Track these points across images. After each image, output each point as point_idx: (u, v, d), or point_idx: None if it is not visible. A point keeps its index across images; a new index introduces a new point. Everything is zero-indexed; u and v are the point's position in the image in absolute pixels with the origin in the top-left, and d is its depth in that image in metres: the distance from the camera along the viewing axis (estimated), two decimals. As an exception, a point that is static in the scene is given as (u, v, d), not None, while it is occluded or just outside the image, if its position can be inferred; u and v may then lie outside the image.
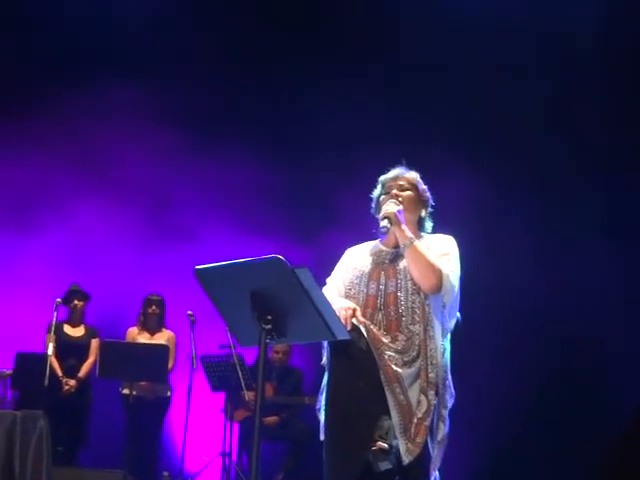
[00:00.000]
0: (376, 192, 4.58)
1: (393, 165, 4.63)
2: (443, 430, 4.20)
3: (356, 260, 4.51)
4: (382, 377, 4.10)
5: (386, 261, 4.41)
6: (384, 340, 4.18)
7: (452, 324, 4.34)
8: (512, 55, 9.20)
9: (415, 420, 4.10)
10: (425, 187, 4.57)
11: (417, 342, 4.20)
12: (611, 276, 8.70)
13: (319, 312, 3.44)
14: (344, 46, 9.70)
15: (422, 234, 4.51)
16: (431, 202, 4.58)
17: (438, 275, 4.22)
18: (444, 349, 4.26)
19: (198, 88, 10.01)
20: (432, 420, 4.16)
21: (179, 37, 9.93)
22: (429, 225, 4.58)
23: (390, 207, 4.33)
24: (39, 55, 9.97)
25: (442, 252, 4.35)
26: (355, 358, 4.06)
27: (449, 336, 4.33)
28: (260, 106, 9.93)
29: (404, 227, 4.31)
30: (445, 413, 4.22)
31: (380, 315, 4.28)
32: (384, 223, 4.29)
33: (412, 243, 4.26)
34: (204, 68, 9.95)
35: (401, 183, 4.49)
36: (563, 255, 8.93)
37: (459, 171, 8.65)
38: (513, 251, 8.92)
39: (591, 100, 9.07)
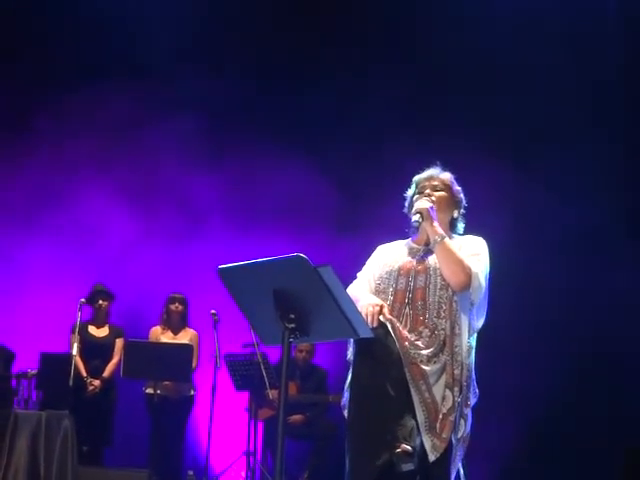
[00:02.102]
0: (410, 192, 4.62)
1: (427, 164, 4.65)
2: (464, 428, 4.21)
3: (387, 256, 4.54)
4: (407, 375, 4.09)
5: (417, 257, 4.44)
6: (410, 337, 4.18)
7: (480, 323, 4.34)
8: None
9: (440, 416, 4.10)
10: (459, 188, 4.60)
11: (442, 337, 4.20)
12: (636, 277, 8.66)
13: (342, 310, 3.43)
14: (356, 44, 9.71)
15: (454, 235, 4.53)
16: (464, 203, 4.61)
17: (467, 273, 4.23)
18: (470, 347, 4.27)
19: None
20: (455, 416, 4.16)
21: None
22: (461, 226, 4.60)
23: (423, 203, 4.36)
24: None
25: (473, 252, 4.37)
26: (380, 356, 4.06)
27: (475, 335, 4.32)
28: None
29: (435, 224, 4.33)
30: (467, 411, 4.23)
31: (407, 309, 4.29)
32: (416, 218, 4.33)
33: (443, 239, 4.28)
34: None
35: (435, 184, 4.52)
36: (589, 256, 8.90)
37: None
38: (540, 249, 8.89)
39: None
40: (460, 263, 4.25)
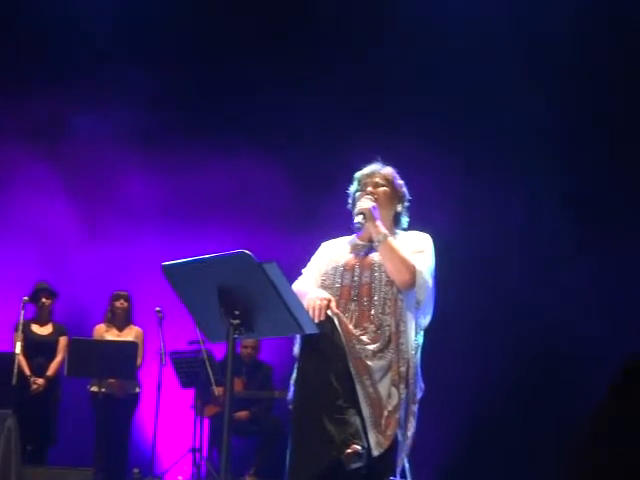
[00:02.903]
0: (352, 188, 4.61)
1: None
2: (413, 424, 4.22)
3: (332, 252, 4.55)
4: (352, 370, 4.10)
5: (362, 254, 4.44)
6: (355, 332, 4.19)
7: (427, 321, 4.37)
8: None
9: (386, 413, 4.11)
10: (401, 182, 4.60)
11: (387, 334, 4.21)
12: (584, 267, 8.77)
13: (287, 307, 3.45)
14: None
15: (398, 230, 4.55)
16: (407, 197, 4.61)
17: (411, 271, 4.25)
18: (417, 345, 4.29)
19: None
20: (402, 413, 4.18)
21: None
22: (405, 220, 4.60)
23: (365, 203, 4.36)
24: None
25: (417, 249, 4.38)
26: (326, 351, 4.06)
27: (422, 333, 4.35)
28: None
29: (378, 223, 4.33)
30: (415, 408, 4.25)
31: (353, 305, 4.30)
32: (358, 219, 4.33)
33: (386, 239, 4.29)
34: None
35: (376, 180, 4.51)
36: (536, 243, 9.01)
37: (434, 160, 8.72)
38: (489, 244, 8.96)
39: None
40: (404, 262, 4.26)
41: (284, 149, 9.68)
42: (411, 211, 4.63)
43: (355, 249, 4.51)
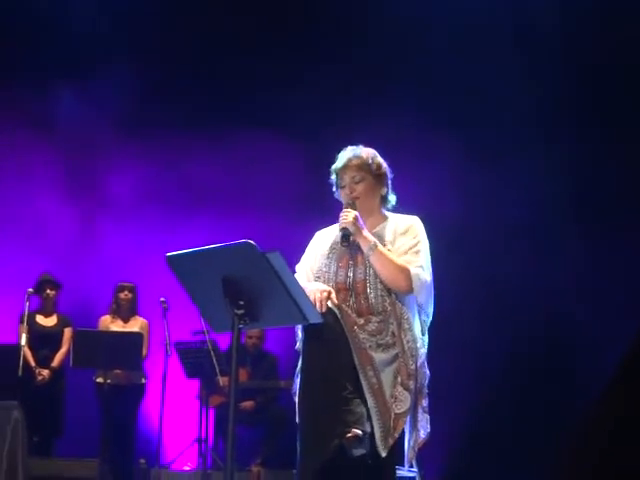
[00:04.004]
0: (332, 178, 4.49)
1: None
2: (427, 418, 4.21)
3: (324, 245, 4.47)
4: (356, 360, 4.10)
5: (353, 248, 4.33)
6: (358, 322, 4.17)
7: (430, 317, 4.32)
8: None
9: (393, 415, 4.09)
10: (379, 161, 4.43)
11: (391, 329, 4.18)
12: (579, 261, 8.76)
13: (291, 296, 3.44)
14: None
15: (386, 213, 4.47)
16: (389, 174, 4.46)
17: (407, 275, 4.19)
18: (422, 343, 4.26)
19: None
20: (412, 417, 4.17)
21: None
22: (393, 198, 4.49)
23: (346, 219, 4.25)
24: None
25: (410, 246, 4.30)
26: (329, 342, 4.05)
27: (427, 329, 4.32)
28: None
29: (365, 233, 4.25)
30: (425, 402, 4.22)
31: (351, 301, 4.26)
32: (344, 239, 4.24)
33: (376, 248, 4.21)
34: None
35: (353, 175, 4.37)
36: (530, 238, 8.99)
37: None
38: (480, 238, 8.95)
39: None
40: (398, 268, 4.19)
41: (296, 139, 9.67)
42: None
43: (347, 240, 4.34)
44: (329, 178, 4.50)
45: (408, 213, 4.50)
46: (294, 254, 4.49)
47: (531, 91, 9.07)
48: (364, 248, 4.25)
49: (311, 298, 3.99)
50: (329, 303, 4.11)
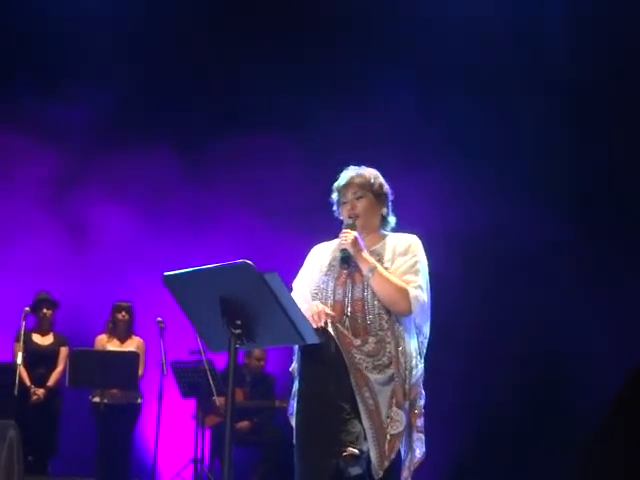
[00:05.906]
0: (334, 197, 4.48)
1: None
2: (421, 439, 4.20)
3: (323, 262, 4.43)
4: (352, 381, 4.09)
5: (352, 266, 4.29)
6: (354, 343, 4.16)
7: (427, 333, 4.31)
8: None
9: (389, 437, 4.07)
10: (381, 182, 4.44)
11: (388, 350, 4.16)
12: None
13: (289, 317, 3.44)
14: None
15: (386, 232, 4.45)
16: (390, 196, 4.46)
17: (406, 297, 4.16)
18: (418, 363, 4.23)
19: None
20: (407, 437, 4.16)
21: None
22: (393, 220, 4.48)
23: (346, 240, 4.24)
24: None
25: (409, 265, 4.28)
26: (326, 362, 4.04)
27: (424, 349, 4.30)
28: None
29: (365, 254, 4.23)
30: (420, 422, 4.20)
31: (348, 322, 4.22)
32: (344, 262, 4.24)
33: (375, 270, 4.20)
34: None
35: (354, 191, 4.37)
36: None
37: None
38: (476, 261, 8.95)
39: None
40: (398, 290, 4.17)
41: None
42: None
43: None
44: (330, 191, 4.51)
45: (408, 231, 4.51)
46: (289, 268, 4.49)
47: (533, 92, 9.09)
48: (364, 270, 4.23)
49: (309, 313, 3.99)
50: (327, 322, 4.09)
